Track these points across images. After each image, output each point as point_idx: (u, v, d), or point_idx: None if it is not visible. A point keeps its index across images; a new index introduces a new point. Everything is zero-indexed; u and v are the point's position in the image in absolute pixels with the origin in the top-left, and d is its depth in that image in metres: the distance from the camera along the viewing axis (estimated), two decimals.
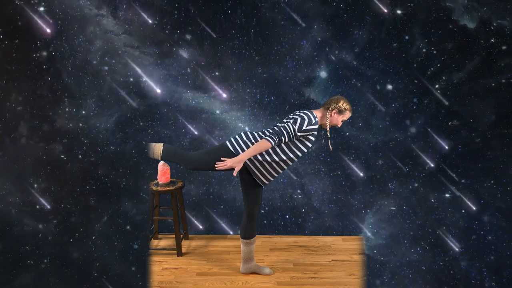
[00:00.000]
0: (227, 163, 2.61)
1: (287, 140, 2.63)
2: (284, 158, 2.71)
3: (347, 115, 2.79)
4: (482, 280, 3.18)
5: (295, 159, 2.76)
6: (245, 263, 3.08)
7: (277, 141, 2.59)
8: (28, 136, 3.37)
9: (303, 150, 2.74)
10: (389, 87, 3.58)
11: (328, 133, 2.82)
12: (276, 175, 2.80)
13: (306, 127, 2.61)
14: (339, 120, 2.77)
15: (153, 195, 3.46)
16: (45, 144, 3.40)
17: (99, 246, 3.24)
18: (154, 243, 3.64)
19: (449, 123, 3.48)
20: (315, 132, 2.71)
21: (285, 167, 2.77)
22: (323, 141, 2.91)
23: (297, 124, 2.60)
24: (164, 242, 3.65)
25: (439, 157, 3.54)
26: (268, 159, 2.70)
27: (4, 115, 3.33)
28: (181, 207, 3.55)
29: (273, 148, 2.69)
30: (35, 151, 3.37)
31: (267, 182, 2.81)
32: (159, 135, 3.75)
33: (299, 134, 2.61)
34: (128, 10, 3.54)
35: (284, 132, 2.60)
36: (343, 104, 2.74)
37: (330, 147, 2.83)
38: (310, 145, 2.74)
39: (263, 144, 2.57)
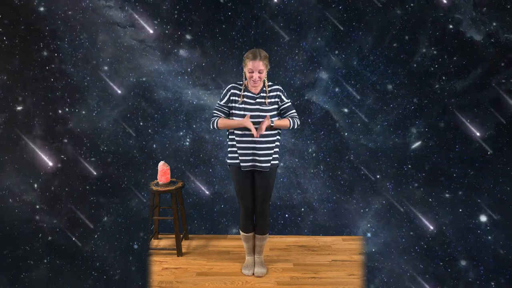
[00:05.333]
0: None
1: (216, 111, 2.81)
2: (234, 131, 2.81)
3: (246, 63, 2.68)
4: (481, 280, 3.19)
5: (238, 131, 2.76)
6: (264, 265, 3.14)
7: (212, 122, 2.80)
8: (29, 136, 3.37)
9: (237, 116, 2.76)
10: (389, 87, 3.59)
11: (245, 87, 2.78)
12: (239, 146, 2.79)
13: (222, 95, 2.82)
14: (246, 73, 2.70)
15: (153, 195, 3.46)
16: (45, 143, 3.40)
17: (99, 246, 3.24)
18: (154, 243, 3.64)
19: (451, 124, 3.49)
20: (234, 95, 2.76)
21: (238, 138, 2.79)
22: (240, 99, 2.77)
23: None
24: (164, 242, 3.65)
25: (438, 158, 3.54)
26: (231, 136, 2.84)
27: (5, 114, 3.33)
28: (181, 207, 3.55)
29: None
30: (35, 151, 3.37)
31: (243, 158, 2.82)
32: (159, 135, 3.75)
33: (222, 103, 2.80)
34: (130, 10, 3.55)
35: (213, 110, 2.84)
36: (244, 57, 2.73)
37: (245, 106, 2.74)
38: (238, 111, 2.74)
39: (219, 120, 2.78)
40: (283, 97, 2.81)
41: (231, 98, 2.79)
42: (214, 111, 2.83)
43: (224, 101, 2.80)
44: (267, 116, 2.68)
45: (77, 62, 3.49)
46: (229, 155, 2.89)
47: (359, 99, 3.66)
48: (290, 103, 2.84)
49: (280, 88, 2.83)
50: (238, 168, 2.85)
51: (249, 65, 2.66)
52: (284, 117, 2.82)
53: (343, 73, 3.63)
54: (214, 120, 2.79)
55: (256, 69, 2.66)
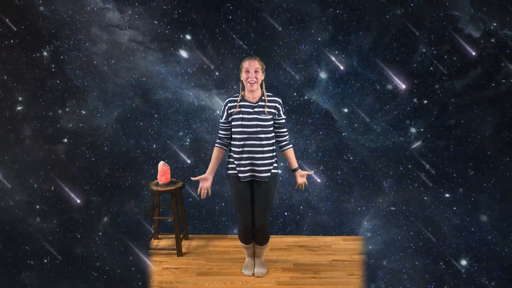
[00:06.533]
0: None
1: (220, 130, 2.85)
2: (232, 142, 2.84)
3: (242, 65, 2.70)
4: (480, 279, 3.20)
5: (236, 141, 2.76)
6: (264, 266, 3.14)
7: (222, 141, 2.86)
8: (29, 136, 3.37)
9: (235, 127, 2.76)
10: (389, 87, 3.59)
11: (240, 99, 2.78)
12: (237, 156, 2.80)
13: (221, 112, 2.83)
14: (243, 76, 2.71)
15: (153, 195, 3.46)
16: (46, 144, 3.40)
17: (99, 246, 3.24)
18: (154, 243, 3.64)
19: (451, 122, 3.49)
20: (231, 108, 2.76)
21: (237, 148, 2.79)
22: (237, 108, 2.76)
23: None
24: (164, 242, 3.66)
25: (437, 158, 3.55)
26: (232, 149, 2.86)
27: (5, 115, 3.33)
28: (181, 207, 3.56)
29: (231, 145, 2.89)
30: (36, 151, 3.37)
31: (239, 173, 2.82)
32: (159, 135, 3.75)
33: (223, 120, 2.82)
34: (131, 10, 3.55)
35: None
36: (241, 64, 2.74)
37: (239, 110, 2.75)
38: (236, 122, 2.74)
39: (214, 151, 2.87)
40: (281, 112, 2.80)
41: (229, 112, 2.78)
42: (219, 131, 2.87)
43: (224, 118, 2.81)
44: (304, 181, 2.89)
45: (77, 62, 3.49)
46: (228, 165, 2.87)
47: (359, 99, 3.66)
48: (285, 120, 2.85)
49: (280, 101, 2.81)
50: (237, 178, 2.82)
51: (245, 65, 2.68)
52: (282, 144, 2.88)
53: (343, 73, 3.63)
54: (215, 145, 2.87)
55: (252, 67, 2.66)
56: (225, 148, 2.86)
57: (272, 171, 2.82)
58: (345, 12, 3.52)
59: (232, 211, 3.88)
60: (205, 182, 2.83)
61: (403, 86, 3.32)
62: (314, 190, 3.86)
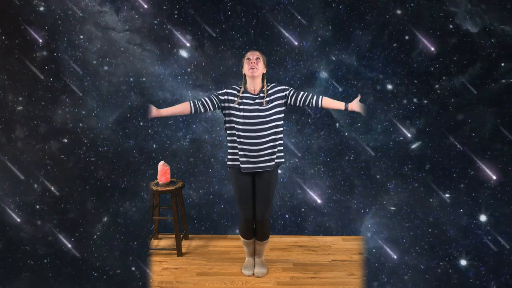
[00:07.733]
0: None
1: (205, 96, 2.80)
2: (229, 131, 2.81)
3: (245, 57, 2.79)
4: (481, 280, 3.19)
5: (239, 131, 2.75)
6: (264, 265, 3.13)
7: (196, 101, 2.78)
8: (28, 136, 3.37)
9: (236, 117, 2.75)
10: (389, 87, 3.58)
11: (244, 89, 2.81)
12: (238, 147, 2.78)
13: (217, 92, 2.84)
14: (245, 65, 2.76)
15: (153, 195, 3.46)
16: (45, 144, 3.40)
17: (99, 246, 3.24)
18: (154, 243, 3.64)
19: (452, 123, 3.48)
20: (231, 94, 2.78)
21: (238, 139, 2.77)
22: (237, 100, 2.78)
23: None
24: (164, 242, 3.65)
25: (438, 157, 3.54)
26: (230, 138, 2.83)
27: (4, 115, 3.34)
28: (181, 207, 3.55)
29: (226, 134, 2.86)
30: (35, 151, 3.37)
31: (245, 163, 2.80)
32: (159, 135, 3.75)
33: (215, 93, 2.82)
34: (130, 10, 3.55)
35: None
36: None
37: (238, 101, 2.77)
38: (237, 112, 2.74)
39: (184, 103, 2.81)
40: (285, 87, 2.81)
41: (226, 97, 2.79)
42: (204, 96, 2.87)
43: (218, 92, 2.82)
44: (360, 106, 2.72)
45: (76, 62, 3.49)
46: (229, 156, 2.85)
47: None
48: (293, 89, 2.82)
49: (278, 84, 2.84)
50: (238, 170, 2.82)
51: (247, 55, 2.76)
52: (314, 101, 2.76)
53: (343, 73, 3.63)
54: (190, 100, 2.83)
55: (253, 56, 2.74)
56: (192, 110, 2.78)
57: (276, 160, 2.82)
58: (345, 12, 3.51)
59: (232, 211, 3.88)
60: (151, 112, 2.72)
61: (494, 177, 3.32)
62: (315, 190, 3.86)
